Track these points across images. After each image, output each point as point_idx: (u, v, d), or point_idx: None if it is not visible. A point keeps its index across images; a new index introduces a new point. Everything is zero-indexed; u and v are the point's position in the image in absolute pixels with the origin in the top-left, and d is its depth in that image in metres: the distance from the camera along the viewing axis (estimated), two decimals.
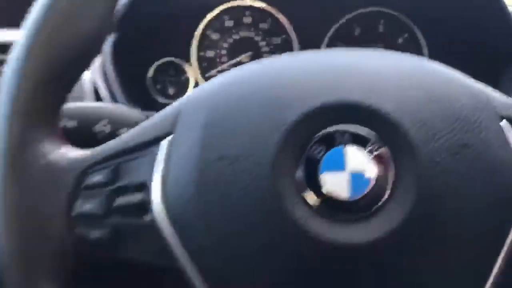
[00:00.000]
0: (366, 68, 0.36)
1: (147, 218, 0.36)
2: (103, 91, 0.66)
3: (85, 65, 0.41)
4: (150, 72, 0.75)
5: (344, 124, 0.34)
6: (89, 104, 0.53)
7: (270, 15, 0.76)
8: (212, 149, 0.34)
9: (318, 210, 0.33)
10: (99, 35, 0.40)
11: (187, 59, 0.75)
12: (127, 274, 0.44)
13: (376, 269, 0.33)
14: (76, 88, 0.42)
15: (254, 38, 0.76)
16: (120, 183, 0.37)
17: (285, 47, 0.76)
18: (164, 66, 0.75)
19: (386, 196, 0.33)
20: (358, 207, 0.33)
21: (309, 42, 0.75)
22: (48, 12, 0.38)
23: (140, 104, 0.65)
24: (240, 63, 0.76)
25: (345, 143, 0.34)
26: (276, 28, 0.76)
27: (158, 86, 0.75)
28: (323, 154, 0.34)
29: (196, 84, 0.76)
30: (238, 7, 0.75)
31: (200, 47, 0.76)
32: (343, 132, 0.34)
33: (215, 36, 0.76)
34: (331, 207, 0.33)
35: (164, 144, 0.36)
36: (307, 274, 0.33)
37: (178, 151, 0.36)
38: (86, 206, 0.37)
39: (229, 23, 0.76)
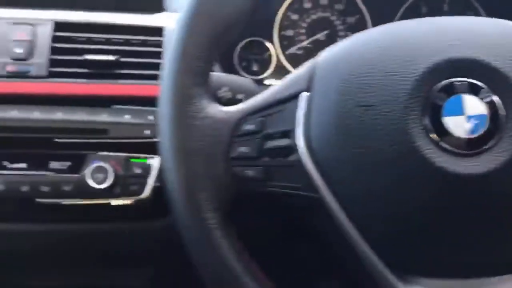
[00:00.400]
0: (479, 30, 0.43)
1: (292, 158, 0.44)
2: None
3: (231, 36, 0.49)
4: (237, 50, 0.83)
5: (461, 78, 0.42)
6: (213, 73, 0.61)
7: None
8: (350, 98, 0.42)
9: (442, 147, 0.41)
10: (240, 15, 0.49)
11: (270, 39, 0.83)
12: (273, 206, 0.53)
13: (493, 196, 0.41)
14: None
15: (330, 18, 0.84)
16: (268, 131, 0.45)
17: (359, 26, 0.83)
18: (249, 45, 0.83)
19: (498, 134, 0.41)
20: (476, 144, 0.41)
21: (381, 21, 0.82)
22: None
23: None
24: (317, 41, 0.84)
25: (463, 92, 0.41)
26: (351, 8, 0.83)
27: (244, 64, 0.83)
28: (445, 101, 0.41)
29: (278, 61, 0.83)
30: None
31: (281, 27, 0.83)
32: (462, 83, 0.41)
33: (294, 17, 0.84)
34: (452, 145, 0.41)
35: (303, 97, 0.44)
36: (434, 201, 0.41)
37: (318, 102, 0.44)
38: (241, 149, 0.45)
39: (307, 4, 0.84)
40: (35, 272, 0.81)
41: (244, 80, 0.62)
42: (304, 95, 0.45)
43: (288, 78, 0.47)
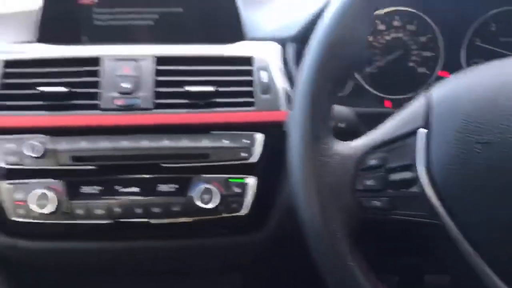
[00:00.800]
0: None
1: (415, 189, 0.50)
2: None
3: (350, 75, 0.55)
4: None
5: None
6: None
7: (417, 17, 0.88)
8: (469, 136, 0.48)
9: None
10: (360, 52, 0.54)
11: None
12: (396, 233, 0.59)
13: None
14: None
15: (403, 38, 0.89)
16: (390, 165, 0.51)
17: (431, 45, 0.88)
18: None
19: None
20: None
21: (452, 39, 0.87)
22: (331, 33, 0.52)
23: None
24: (392, 60, 0.89)
25: None
26: (422, 29, 0.88)
27: None
28: None
29: (356, 80, 0.89)
30: (389, 11, 0.88)
31: None
32: None
33: (369, 38, 0.89)
34: None
35: (422, 133, 0.50)
36: None
37: (437, 138, 0.49)
38: (367, 182, 0.51)
39: (381, 26, 0.89)
40: (146, 284, 0.89)
41: (342, 109, 0.68)
42: (422, 131, 0.51)
43: (404, 114, 0.53)
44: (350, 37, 0.53)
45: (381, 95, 0.89)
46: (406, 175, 0.50)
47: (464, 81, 0.51)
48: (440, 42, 0.88)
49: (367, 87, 0.88)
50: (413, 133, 0.51)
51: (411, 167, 0.50)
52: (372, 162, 0.52)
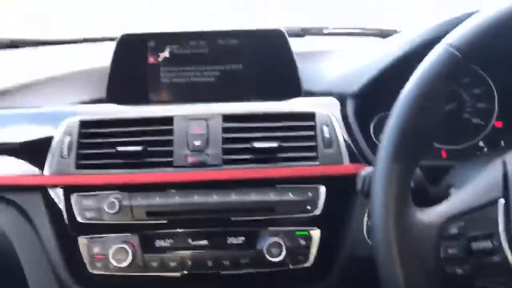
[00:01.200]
0: None
1: (497, 258, 0.52)
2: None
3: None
4: (374, 121, 0.91)
5: None
6: None
7: (471, 70, 0.90)
8: None
9: None
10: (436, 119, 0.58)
11: None
12: None
13: None
14: None
15: (457, 90, 0.91)
16: (472, 234, 0.54)
17: (486, 96, 0.90)
18: (382, 118, 0.91)
19: None
20: None
21: (507, 90, 0.89)
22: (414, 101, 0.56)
23: None
24: (447, 111, 0.91)
25: None
26: (476, 81, 0.90)
27: (379, 135, 0.92)
28: None
29: None
30: None
31: None
32: None
33: None
34: None
35: (501, 203, 0.53)
36: None
37: None
38: (449, 251, 0.54)
39: None
40: None
41: None
42: (502, 201, 0.54)
43: (482, 183, 0.56)
44: (430, 113, 0.57)
45: (437, 145, 0.91)
46: (488, 244, 0.53)
47: None
48: (495, 93, 0.90)
49: None
50: (492, 203, 0.54)
51: (492, 236, 0.53)
52: (453, 230, 0.55)
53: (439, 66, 0.57)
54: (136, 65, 0.90)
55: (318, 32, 1.12)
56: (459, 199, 0.57)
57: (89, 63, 0.99)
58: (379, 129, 0.91)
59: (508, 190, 0.53)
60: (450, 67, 0.57)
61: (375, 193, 0.56)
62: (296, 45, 0.92)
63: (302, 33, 1.10)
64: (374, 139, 0.89)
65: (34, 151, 0.85)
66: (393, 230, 0.54)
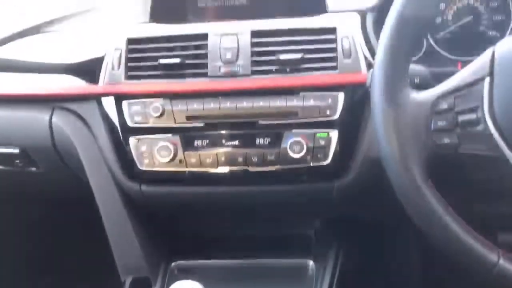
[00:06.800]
0: None
1: (480, 127, 0.62)
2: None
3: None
4: None
5: None
6: None
7: None
8: None
9: None
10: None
11: None
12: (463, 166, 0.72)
13: None
14: None
15: (474, 4, 0.96)
16: (459, 108, 0.64)
17: (502, 9, 0.95)
18: None
19: None
20: None
21: None
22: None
23: None
24: (463, 25, 0.97)
25: None
26: None
27: None
28: None
29: (429, 44, 0.98)
30: None
31: None
32: None
33: (441, 6, 0.97)
34: None
35: (487, 80, 0.63)
36: None
37: (500, 84, 0.62)
38: (439, 123, 0.64)
39: None
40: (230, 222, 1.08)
41: (417, 66, 0.81)
42: (488, 79, 0.62)
43: (472, 65, 0.65)
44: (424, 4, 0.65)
45: (453, 57, 0.97)
46: (473, 116, 0.62)
47: None
48: (510, 6, 0.94)
49: (439, 49, 0.97)
50: (479, 81, 0.63)
51: (477, 109, 0.62)
52: (443, 106, 0.64)
53: None
54: None
55: None
56: (451, 80, 0.66)
57: None
58: None
59: (493, 69, 0.62)
60: None
61: (374, 78, 0.66)
62: None
63: None
64: None
65: (90, 67, 0.98)
66: (390, 106, 0.64)
